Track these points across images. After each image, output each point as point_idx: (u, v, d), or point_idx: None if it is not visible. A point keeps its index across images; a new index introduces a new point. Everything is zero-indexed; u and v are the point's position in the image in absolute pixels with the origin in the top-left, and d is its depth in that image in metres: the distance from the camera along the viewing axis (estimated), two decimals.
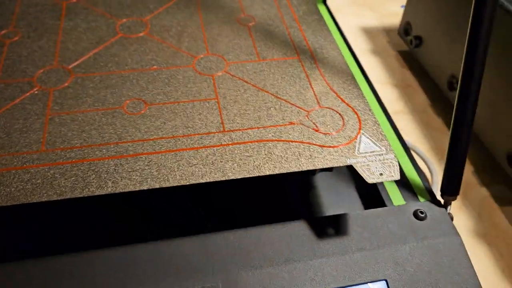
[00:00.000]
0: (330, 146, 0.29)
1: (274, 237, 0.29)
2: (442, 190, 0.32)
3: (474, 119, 0.29)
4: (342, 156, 0.28)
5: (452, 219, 0.32)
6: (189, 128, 0.29)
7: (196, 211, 0.33)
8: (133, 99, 0.30)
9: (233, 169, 0.27)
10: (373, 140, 0.29)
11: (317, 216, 0.34)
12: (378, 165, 0.28)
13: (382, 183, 0.34)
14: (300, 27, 0.39)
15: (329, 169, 0.36)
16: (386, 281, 0.28)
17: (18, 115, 0.29)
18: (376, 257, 0.29)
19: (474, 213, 0.41)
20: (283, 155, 0.28)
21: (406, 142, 0.37)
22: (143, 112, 0.29)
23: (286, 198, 0.36)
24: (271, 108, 0.31)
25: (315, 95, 0.32)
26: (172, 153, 0.27)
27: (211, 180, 0.26)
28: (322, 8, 0.43)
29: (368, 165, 0.28)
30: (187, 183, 0.26)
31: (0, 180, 0.25)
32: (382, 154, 0.28)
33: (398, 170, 0.28)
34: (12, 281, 0.24)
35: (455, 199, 0.32)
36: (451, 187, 0.31)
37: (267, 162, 0.27)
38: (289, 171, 0.27)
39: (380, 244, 0.29)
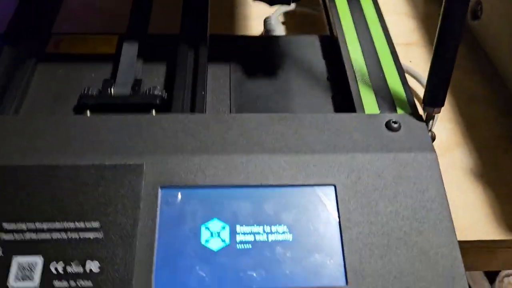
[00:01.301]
0: None
1: (217, 125, 0.26)
2: (424, 100, 0.27)
3: None
4: None
5: (433, 138, 0.28)
6: None
7: None
8: None
9: None
10: None
11: (276, 112, 0.30)
12: None
13: (358, 92, 0.30)
14: None
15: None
16: (334, 186, 0.24)
17: None
18: (329, 161, 0.25)
19: (475, 151, 0.36)
20: None
21: (403, 65, 0.33)
22: None
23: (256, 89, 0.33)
24: None
25: None
26: None
27: None
28: None
29: None
30: None
31: None
32: None
33: None
34: None
35: (438, 111, 0.27)
36: (434, 96, 0.27)
37: None
38: None
39: (338, 149, 0.26)
